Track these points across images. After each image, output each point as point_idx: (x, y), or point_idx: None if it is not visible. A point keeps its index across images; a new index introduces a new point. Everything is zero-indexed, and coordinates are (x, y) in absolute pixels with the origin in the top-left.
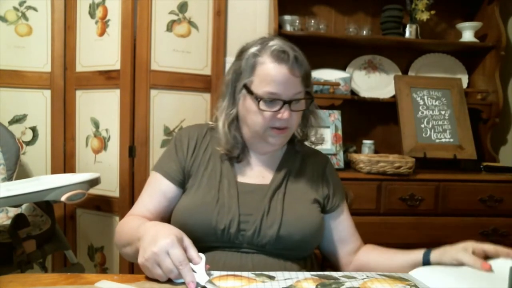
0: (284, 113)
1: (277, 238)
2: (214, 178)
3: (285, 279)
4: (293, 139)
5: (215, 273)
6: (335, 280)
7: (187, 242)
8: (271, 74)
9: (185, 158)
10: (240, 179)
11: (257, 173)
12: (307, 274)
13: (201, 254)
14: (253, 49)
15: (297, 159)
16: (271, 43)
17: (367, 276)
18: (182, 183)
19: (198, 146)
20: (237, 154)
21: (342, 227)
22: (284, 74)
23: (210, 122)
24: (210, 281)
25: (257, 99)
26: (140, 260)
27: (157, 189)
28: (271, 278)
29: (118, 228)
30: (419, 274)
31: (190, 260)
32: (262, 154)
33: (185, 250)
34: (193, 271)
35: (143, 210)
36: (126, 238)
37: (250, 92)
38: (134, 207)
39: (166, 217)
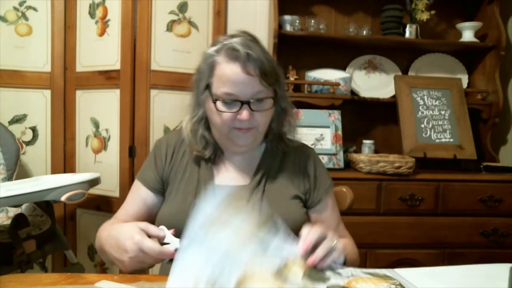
0: (243, 114)
1: None
2: (191, 183)
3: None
4: (267, 136)
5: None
6: (321, 271)
7: (144, 225)
8: (225, 74)
9: (163, 166)
10: (218, 182)
11: (235, 175)
12: (298, 255)
13: (162, 227)
14: (211, 49)
15: (278, 156)
16: (227, 41)
17: (351, 274)
18: (161, 191)
19: (175, 152)
20: (210, 155)
21: (323, 225)
22: (237, 73)
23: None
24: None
25: (214, 100)
26: (126, 269)
27: (138, 197)
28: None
29: (98, 233)
30: (404, 273)
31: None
32: (237, 154)
33: (147, 233)
34: (166, 243)
35: (125, 215)
36: (100, 248)
37: (210, 93)
38: (118, 211)
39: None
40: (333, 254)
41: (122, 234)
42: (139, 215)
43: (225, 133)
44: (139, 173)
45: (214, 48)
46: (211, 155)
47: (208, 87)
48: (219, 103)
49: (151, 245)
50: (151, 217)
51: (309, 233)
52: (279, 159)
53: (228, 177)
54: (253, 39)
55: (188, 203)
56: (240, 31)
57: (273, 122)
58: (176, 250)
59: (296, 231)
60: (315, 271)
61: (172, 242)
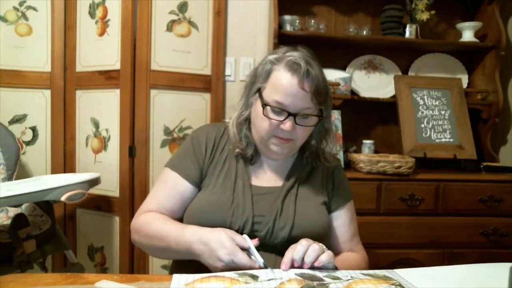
0: (286, 125)
1: (289, 239)
2: (229, 178)
3: (268, 280)
4: (304, 150)
5: (197, 276)
6: (319, 281)
7: (232, 234)
8: (281, 83)
9: (204, 158)
10: (254, 181)
11: (269, 177)
12: (291, 273)
13: (244, 236)
14: (272, 56)
15: (308, 164)
16: (289, 53)
17: (351, 276)
18: (199, 183)
19: (216, 146)
20: (250, 155)
21: (339, 231)
22: (293, 85)
23: (227, 120)
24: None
25: (264, 105)
26: (215, 272)
27: (175, 190)
28: (254, 278)
29: (142, 228)
30: (404, 273)
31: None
32: (271, 159)
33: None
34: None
35: (158, 207)
36: (161, 245)
37: (261, 97)
38: (148, 202)
39: (180, 215)
40: (326, 253)
41: (214, 242)
42: (175, 209)
43: (264, 139)
44: (174, 163)
45: (275, 56)
46: (252, 155)
47: (259, 91)
48: (268, 109)
49: (243, 259)
50: (183, 209)
51: (289, 250)
52: (309, 166)
53: (263, 178)
54: (313, 57)
55: (226, 197)
56: (301, 46)
57: (313, 139)
58: (259, 267)
59: (320, 236)
60: (313, 283)
61: (257, 258)
